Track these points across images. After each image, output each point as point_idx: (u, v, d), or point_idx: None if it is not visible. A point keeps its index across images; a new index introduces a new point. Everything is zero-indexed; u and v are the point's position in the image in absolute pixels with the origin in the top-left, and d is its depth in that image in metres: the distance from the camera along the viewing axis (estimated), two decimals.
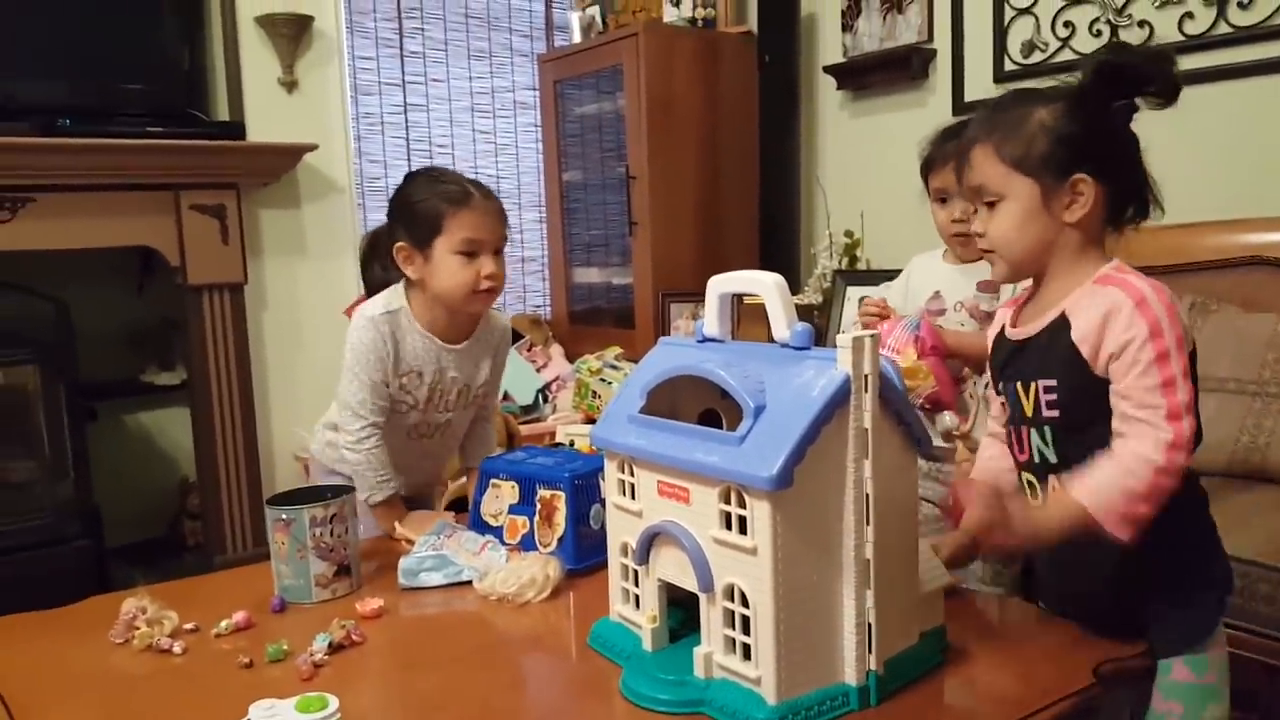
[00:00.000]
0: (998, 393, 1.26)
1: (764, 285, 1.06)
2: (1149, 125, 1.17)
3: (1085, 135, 1.12)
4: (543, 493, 1.47)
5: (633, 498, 1.11)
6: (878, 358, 0.98)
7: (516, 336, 3.66)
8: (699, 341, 1.16)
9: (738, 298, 3.22)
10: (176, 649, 1.25)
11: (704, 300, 1.16)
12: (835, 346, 0.98)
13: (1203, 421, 2.14)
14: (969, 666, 1.11)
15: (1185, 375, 1.05)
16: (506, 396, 3.09)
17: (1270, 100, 2.51)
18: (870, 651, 1.00)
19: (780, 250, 3.44)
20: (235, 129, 3.10)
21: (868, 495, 0.98)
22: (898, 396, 1.01)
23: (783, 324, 1.05)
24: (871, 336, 0.97)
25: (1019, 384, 1.19)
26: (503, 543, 1.47)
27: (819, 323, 3.13)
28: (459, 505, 2.06)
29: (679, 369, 1.09)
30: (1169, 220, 2.51)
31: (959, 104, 3.16)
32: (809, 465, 0.94)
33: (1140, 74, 1.12)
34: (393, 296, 1.74)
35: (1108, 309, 1.08)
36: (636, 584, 1.13)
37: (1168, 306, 1.07)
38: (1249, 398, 2.13)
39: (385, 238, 1.75)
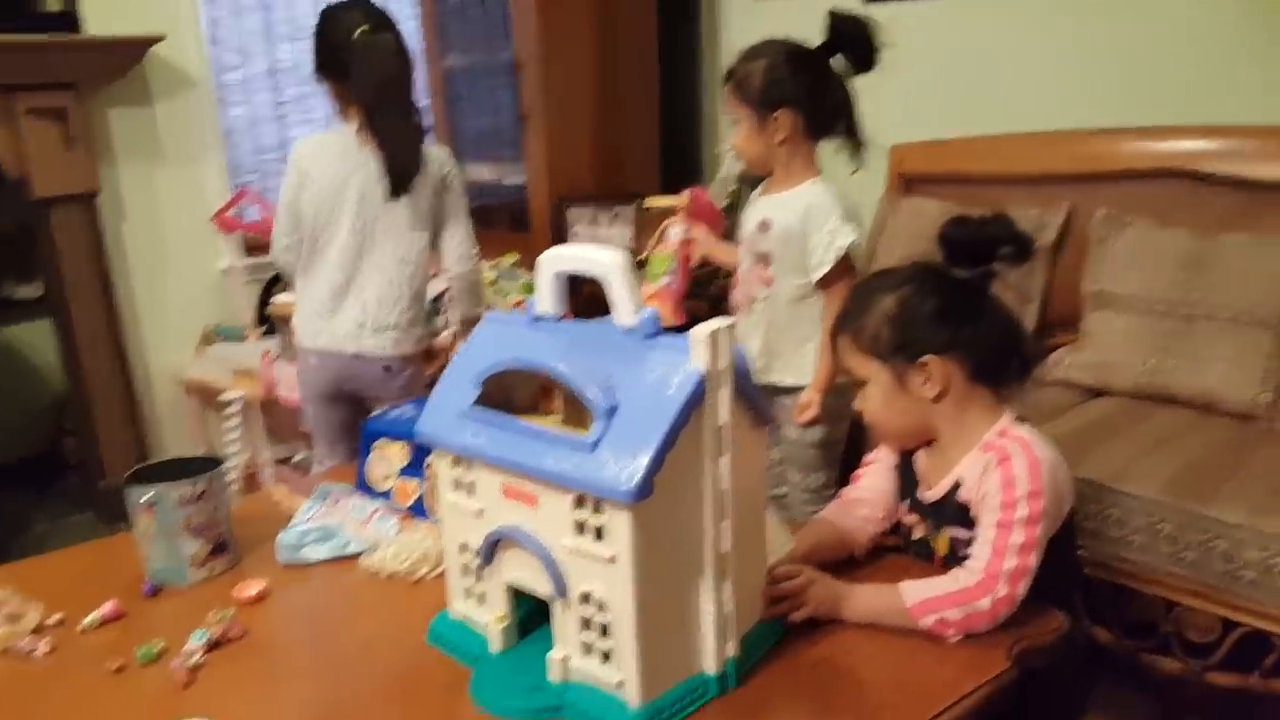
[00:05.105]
0: (906, 529, 1.33)
1: (604, 266, 0.97)
2: (1068, 22, 1.09)
3: (927, 318, 1.20)
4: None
5: (470, 495, 1.05)
6: (732, 350, 0.93)
7: None
8: (532, 320, 1.07)
9: (639, 202, 3.12)
10: (40, 650, 1.15)
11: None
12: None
13: (1111, 341, 2.15)
14: (877, 659, 1.08)
15: (1023, 549, 1.11)
16: None
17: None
18: (728, 639, 1.00)
19: (682, 149, 3.31)
20: (68, 21, 2.78)
21: (724, 491, 0.95)
22: (744, 379, 0.97)
23: (628, 308, 0.97)
24: (728, 327, 0.93)
25: (931, 530, 1.27)
26: (393, 508, 1.39)
27: (727, 226, 3.05)
28: None
29: (517, 363, 1.01)
30: (1084, 124, 2.48)
31: None
32: (667, 469, 0.90)
33: (986, 244, 1.20)
34: None
35: (983, 468, 1.18)
36: (479, 581, 1.08)
37: (1031, 466, 1.14)
38: (1158, 318, 2.09)
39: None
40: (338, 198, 1.98)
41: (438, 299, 3.12)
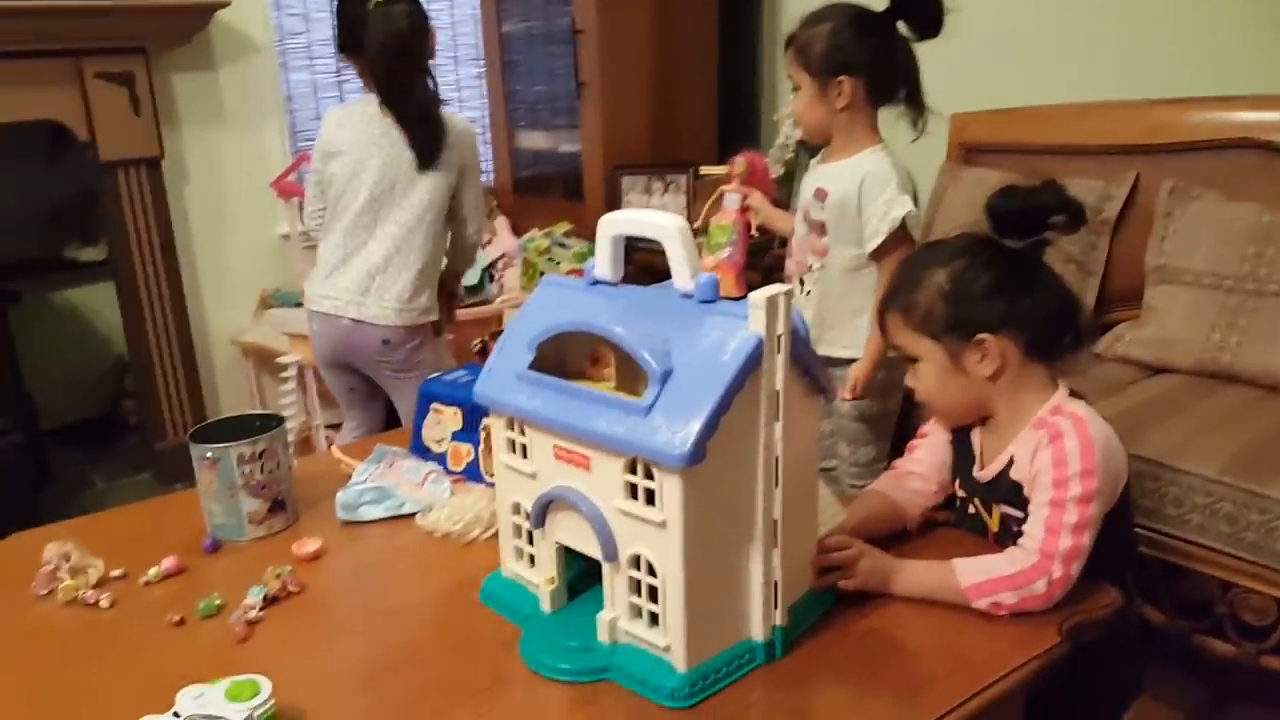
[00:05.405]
0: (959, 503, 1.30)
1: (664, 229, 0.96)
2: None
3: (982, 294, 1.16)
4: (487, 420, 1.40)
5: (525, 457, 1.05)
6: (790, 315, 0.92)
7: None
8: (589, 284, 1.07)
9: (694, 171, 3.09)
10: (104, 602, 1.19)
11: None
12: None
13: (1174, 316, 2.12)
14: (926, 633, 1.07)
15: (1076, 528, 1.09)
16: None
17: None
18: (776, 608, 0.99)
19: (740, 116, 3.27)
20: None
21: (777, 458, 0.94)
22: (803, 347, 0.96)
23: (686, 273, 0.97)
24: (787, 293, 0.92)
25: (983, 507, 1.25)
26: (446, 471, 1.41)
27: (779, 196, 3.02)
28: None
29: (572, 325, 1.01)
30: (1151, 93, 2.41)
31: None
32: (720, 434, 0.89)
33: (1036, 213, 1.16)
34: None
35: (1034, 447, 1.16)
36: (531, 543, 1.09)
37: (1083, 443, 1.11)
38: (1224, 293, 2.03)
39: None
40: (359, 167, 1.99)
41: (490, 267, 3.14)
